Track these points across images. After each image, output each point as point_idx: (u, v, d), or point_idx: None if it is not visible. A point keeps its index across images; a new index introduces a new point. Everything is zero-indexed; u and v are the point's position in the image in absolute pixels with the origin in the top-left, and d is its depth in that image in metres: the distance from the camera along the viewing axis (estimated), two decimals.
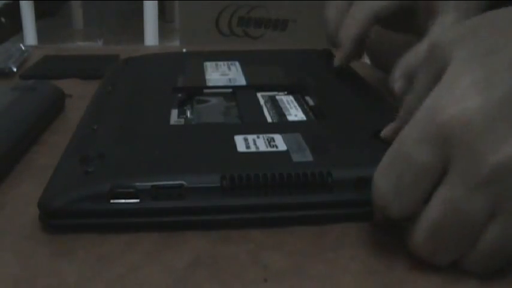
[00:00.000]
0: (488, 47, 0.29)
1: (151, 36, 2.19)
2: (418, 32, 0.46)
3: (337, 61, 0.51)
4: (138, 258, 0.30)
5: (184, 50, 0.68)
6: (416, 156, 0.28)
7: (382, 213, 0.30)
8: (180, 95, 0.48)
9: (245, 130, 0.39)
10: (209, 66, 0.55)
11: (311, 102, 0.46)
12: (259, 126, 0.40)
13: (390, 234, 0.32)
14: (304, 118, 0.43)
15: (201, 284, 0.29)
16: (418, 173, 0.28)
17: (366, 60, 0.73)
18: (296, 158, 0.35)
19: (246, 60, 0.56)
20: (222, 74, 0.52)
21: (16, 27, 2.35)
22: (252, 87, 0.49)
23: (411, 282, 0.29)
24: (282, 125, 0.42)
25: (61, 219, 0.32)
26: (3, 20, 2.49)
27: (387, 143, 0.31)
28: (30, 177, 0.39)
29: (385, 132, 0.36)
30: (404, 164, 0.29)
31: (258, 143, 0.37)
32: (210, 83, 0.50)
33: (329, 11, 0.52)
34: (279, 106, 0.46)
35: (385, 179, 0.29)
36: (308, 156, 0.35)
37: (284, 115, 0.44)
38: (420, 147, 0.28)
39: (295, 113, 0.44)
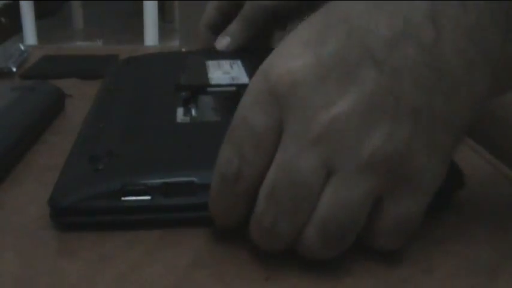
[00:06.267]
0: (322, 10, 0.29)
1: (151, 36, 2.19)
2: None
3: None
4: (139, 257, 0.30)
5: (183, 50, 0.68)
6: (252, 120, 0.28)
7: (228, 187, 0.29)
8: (184, 93, 0.48)
9: None
10: (211, 65, 0.55)
11: None
12: None
13: None
14: None
15: (202, 282, 0.29)
16: (256, 136, 0.28)
17: None
18: None
19: (248, 59, 0.56)
20: (225, 73, 0.52)
21: (16, 27, 2.35)
22: None
23: (412, 281, 0.29)
24: None
25: (72, 217, 0.32)
26: (3, 20, 2.49)
27: None
28: (30, 177, 0.39)
29: None
30: (242, 129, 0.28)
31: None
32: (213, 82, 0.50)
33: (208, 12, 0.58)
34: None
35: (228, 148, 0.29)
36: None
37: None
38: (255, 111, 0.28)
39: None
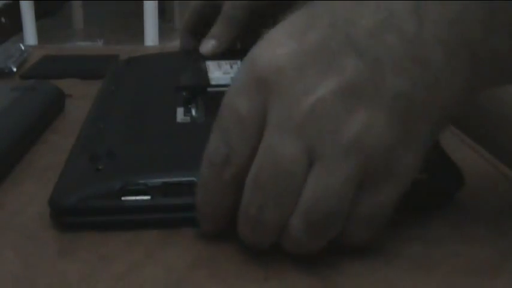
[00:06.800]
0: (308, 4, 0.29)
1: (151, 36, 2.19)
2: None
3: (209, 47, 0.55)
4: (138, 258, 0.30)
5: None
6: (237, 106, 0.28)
7: (217, 176, 0.29)
8: (184, 93, 0.48)
9: None
10: (211, 65, 0.55)
11: None
12: None
13: (390, 232, 0.32)
14: None
15: (202, 283, 0.29)
16: (242, 122, 0.28)
17: None
18: None
19: None
20: (225, 73, 0.52)
21: (16, 27, 2.35)
22: None
23: (412, 281, 0.29)
24: None
25: (72, 216, 0.33)
26: (3, 20, 2.49)
27: None
28: (30, 177, 0.39)
29: None
30: (228, 115, 0.29)
31: None
32: (213, 82, 0.50)
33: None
34: None
35: (215, 135, 0.29)
36: None
37: None
38: (240, 97, 0.28)
39: None
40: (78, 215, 0.33)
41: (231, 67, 0.54)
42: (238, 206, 0.29)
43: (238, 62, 0.56)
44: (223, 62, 0.55)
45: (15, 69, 0.62)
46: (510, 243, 0.32)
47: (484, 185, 0.38)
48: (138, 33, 2.24)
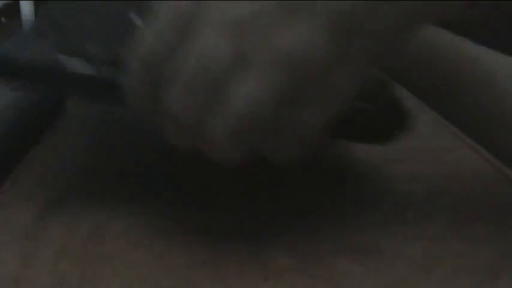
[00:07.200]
0: None
1: None
2: None
3: None
4: (138, 258, 0.30)
5: None
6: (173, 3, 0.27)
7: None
8: None
9: None
10: None
11: None
12: None
13: (390, 232, 0.32)
14: None
15: (202, 283, 0.29)
16: (176, 14, 0.27)
17: None
18: None
19: None
20: None
21: (16, 27, 2.34)
22: None
23: (412, 281, 0.29)
24: None
25: (11, 70, 0.32)
26: (3, 20, 2.49)
27: None
28: (30, 177, 0.39)
29: None
30: (166, 8, 0.28)
31: None
32: None
33: None
34: None
35: (150, 28, 0.28)
36: None
37: None
38: None
39: None
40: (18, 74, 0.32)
41: None
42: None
43: None
44: None
45: None
46: (510, 243, 0.32)
47: (484, 185, 0.38)
48: None
